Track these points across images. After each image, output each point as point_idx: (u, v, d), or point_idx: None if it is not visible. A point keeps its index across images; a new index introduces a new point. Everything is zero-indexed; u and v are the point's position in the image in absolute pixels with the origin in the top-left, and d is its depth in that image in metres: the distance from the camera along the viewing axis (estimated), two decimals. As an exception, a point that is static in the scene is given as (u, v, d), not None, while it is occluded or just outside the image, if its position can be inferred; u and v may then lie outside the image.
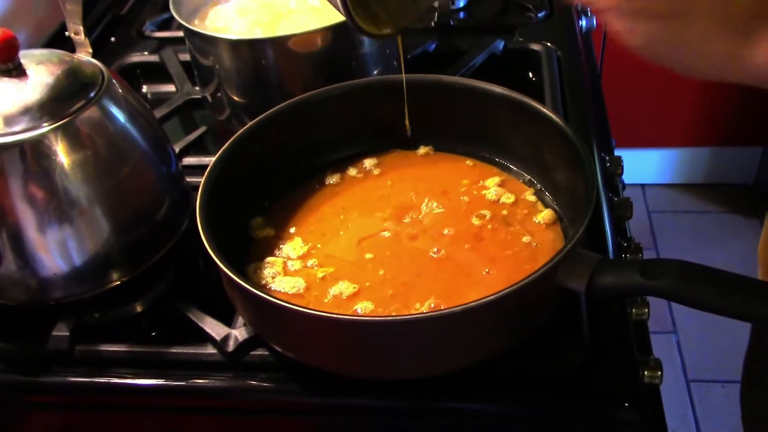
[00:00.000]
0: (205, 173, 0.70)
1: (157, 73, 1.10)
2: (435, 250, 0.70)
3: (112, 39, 1.19)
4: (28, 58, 0.71)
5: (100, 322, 0.75)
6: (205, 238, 0.63)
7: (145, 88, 1.13)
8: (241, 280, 0.59)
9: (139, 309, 0.77)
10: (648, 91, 2.19)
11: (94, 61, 0.76)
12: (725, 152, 2.36)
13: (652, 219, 2.33)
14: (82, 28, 0.77)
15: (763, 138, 2.29)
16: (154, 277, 0.78)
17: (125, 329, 0.75)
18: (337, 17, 0.87)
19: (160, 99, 1.07)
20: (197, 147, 0.97)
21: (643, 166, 2.40)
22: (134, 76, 1.12)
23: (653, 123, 2.29)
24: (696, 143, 2.35)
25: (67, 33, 0.78)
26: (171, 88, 1.07)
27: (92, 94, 0.71)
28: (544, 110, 0.74)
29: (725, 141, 2.33)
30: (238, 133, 0.75)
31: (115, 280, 0.75)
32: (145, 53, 1.13)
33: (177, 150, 0.93)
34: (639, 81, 2.16)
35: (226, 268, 0.60)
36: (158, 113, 0.99)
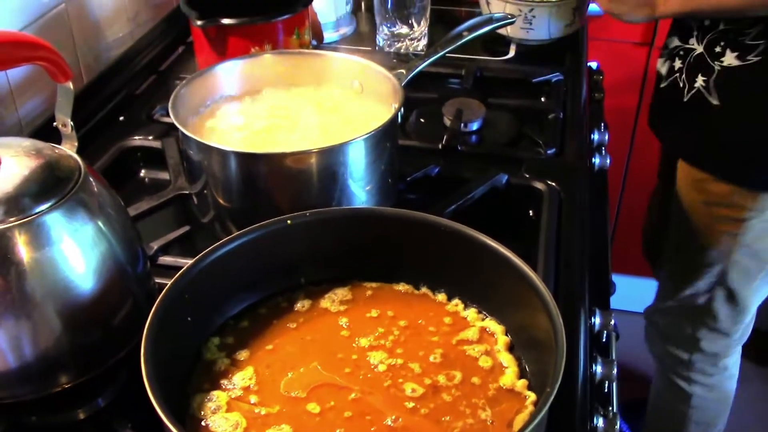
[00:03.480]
0: (164, 291, 0.67)
1: (158, 159, 1.09)
2: (393, 417, 0.65)
3: (121, 118, 1.18)
4: (5, 147, 0.70)
5: (36, 427, 0.72)
6: (145, 370, 0.59)
7: (143, 172, 1.12)
8: (171, 422, 0.56)
9: (81, 416, 0.73)
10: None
11: (74, 156, 0.74)
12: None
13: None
14: (69, 120, 0.76)
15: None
16: (104, 382, 0.75)
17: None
18: (336, 138, 0.86)
19: (158, 185, 1.06)
20: (180, 244, 0.94)
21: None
22: (134, 159, 1.11)
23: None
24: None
25: (54, 123, 0.77)
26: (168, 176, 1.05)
27: (65, 192, 0.69)
28: (529, 272, 0.69)
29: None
30: (209, 249, 0.72)
31: (62, 383, 0.71)
32: (150, 138, 1.12)
33: (156, 247, 0.91)
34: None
35: (160, 408, 0.56)
36: (147, 204, 0.97)
